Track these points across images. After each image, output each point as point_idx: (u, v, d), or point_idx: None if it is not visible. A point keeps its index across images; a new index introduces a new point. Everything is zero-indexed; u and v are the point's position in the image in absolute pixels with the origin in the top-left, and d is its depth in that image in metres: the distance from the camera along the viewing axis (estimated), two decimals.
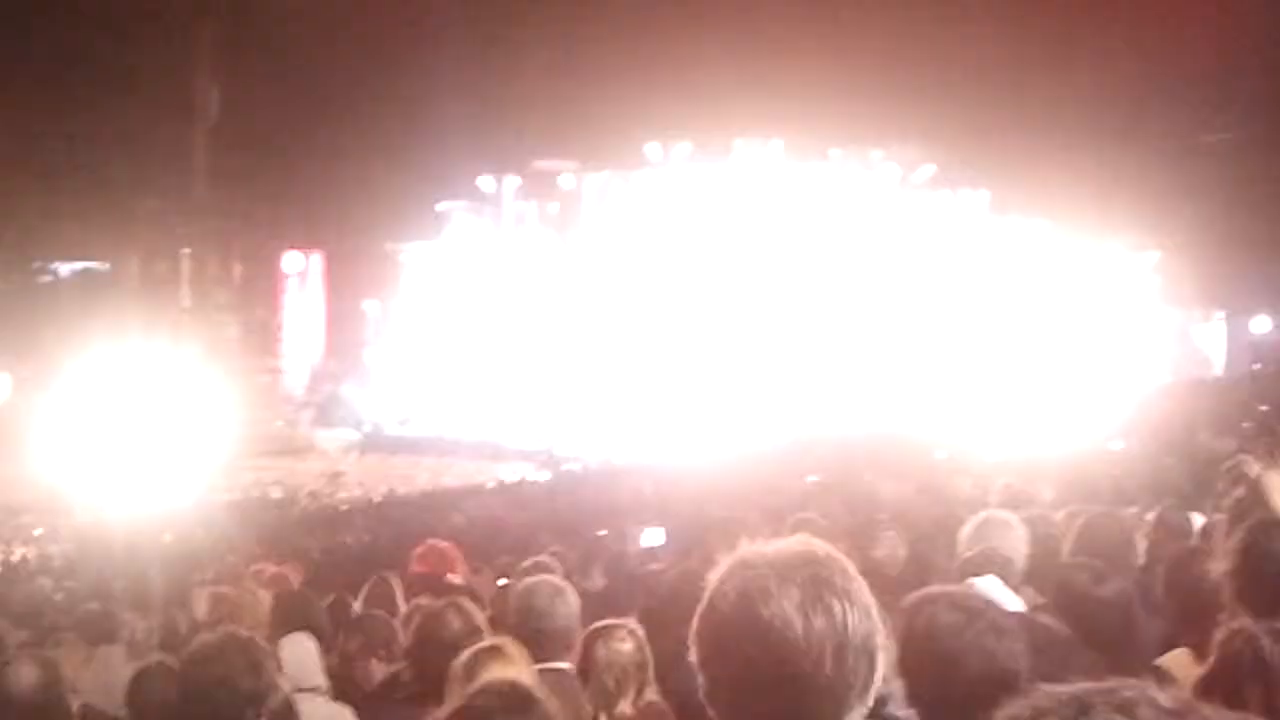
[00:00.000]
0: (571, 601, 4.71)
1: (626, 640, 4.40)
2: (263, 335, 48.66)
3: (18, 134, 47.54)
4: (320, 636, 6.15)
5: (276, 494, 31.08)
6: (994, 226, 42.48)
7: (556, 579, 5.14)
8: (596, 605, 7.50)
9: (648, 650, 4.38)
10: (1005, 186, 42.31)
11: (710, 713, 2.11)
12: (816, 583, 2.04)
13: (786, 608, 2.01)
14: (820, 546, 2.12)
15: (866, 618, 2.05)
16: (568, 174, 44.77)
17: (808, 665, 2.00)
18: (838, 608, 2.02)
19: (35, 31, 46.81)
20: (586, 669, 4.39)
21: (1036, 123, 38.50)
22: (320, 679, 5.57)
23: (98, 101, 46.40)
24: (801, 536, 2.16)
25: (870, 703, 2.07)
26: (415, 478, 32.87)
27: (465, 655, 3.94)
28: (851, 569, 2.09)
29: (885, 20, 40.70)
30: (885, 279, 40.00)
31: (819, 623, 2.01)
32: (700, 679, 2.09)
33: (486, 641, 4.09)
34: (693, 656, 2.11)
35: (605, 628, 4.52)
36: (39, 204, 49.73)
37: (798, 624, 2.00)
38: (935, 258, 41.17)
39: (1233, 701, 2.98)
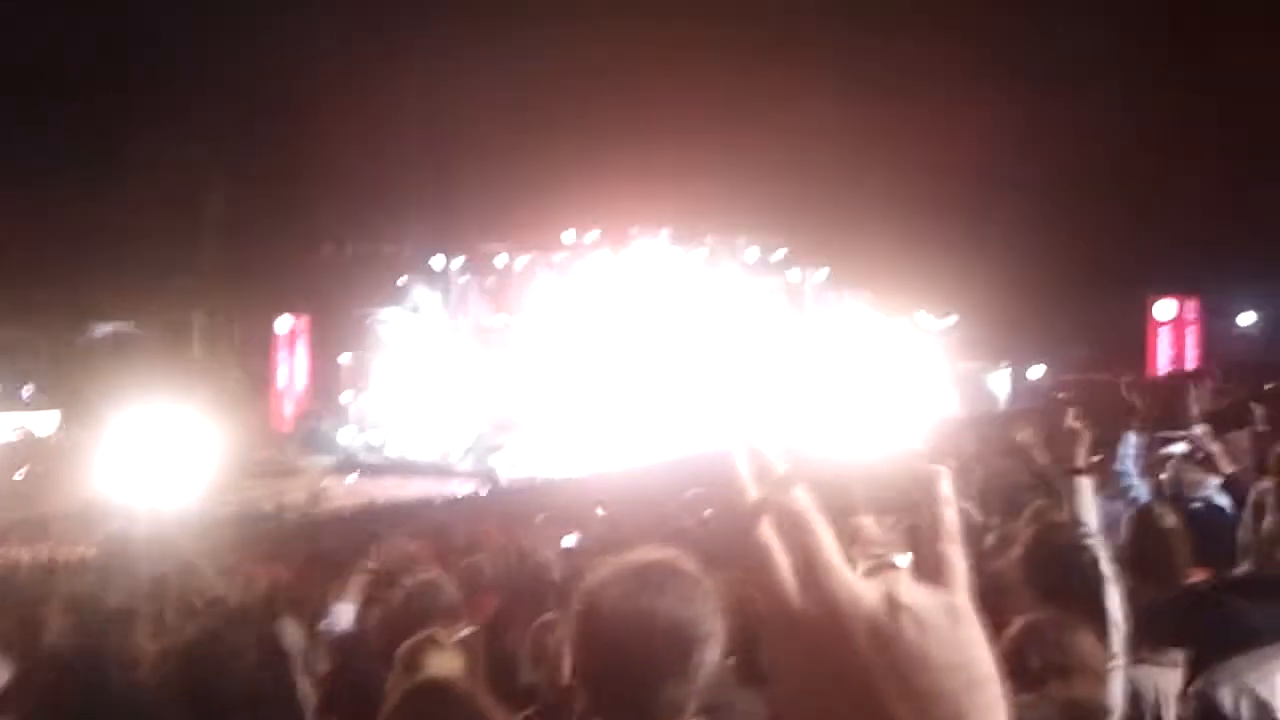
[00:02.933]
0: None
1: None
2: (258, 382, 48.07)
3: (60, 223, 46.93)
4: (301, 620, 6.06)
5: (267, 507, 30.54)
6: (830, 297, 43.02)
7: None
8: (527, 593, 7.43)
9: None
10: (839, 265, 42.93)
11: (576, 694, 2.09)
12: (659, 579, 2.03)
13: (639, 601, 2.01)
14: (668, 554, 2.11)
15: (692, 606, 2.03)
16: (502, 254, 44.75)
17: (651, 645, 1.98)
18: (671, 600, 2.01)
19: (79, 138, 46.18)
20: (539, 654, 4.30)
21: (864, 216, 39.11)
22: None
23: (127, 195, 45.94)
24: (652, 547, 2.15)
25: (698, 680, 2.04)
26: (378, 494, 32.44)
27: (405, 646, 3.87)
28: (688, 570, 2.07)
29: (752, 131, 41.26)
30: (747, 337, 40.35)
31: (661, 607, 2.00)
32: (568, 661, 2.08)
33: (423, 634, 4.02)
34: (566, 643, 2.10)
35: (551, 621, 4.43)
36: (79, 278, 49.00)
37: (644, 612, 2.00)
38: (785, 320, 41.72)
39: (1024, 678, 2.98)
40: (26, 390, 50.72)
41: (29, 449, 41.98)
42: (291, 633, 5.64)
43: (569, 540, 11.27)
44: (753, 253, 43.50)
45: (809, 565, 0.68)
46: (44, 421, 46.68)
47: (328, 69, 46.28)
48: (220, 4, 44.11)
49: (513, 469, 34.90)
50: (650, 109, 42.76)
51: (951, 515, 0.72)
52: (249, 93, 45.33)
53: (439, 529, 15.38)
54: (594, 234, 43.51)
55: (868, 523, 0.75)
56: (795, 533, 0.68)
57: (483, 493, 29.55)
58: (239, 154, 47.52)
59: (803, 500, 0.68)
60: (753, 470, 0.69)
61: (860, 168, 40.24)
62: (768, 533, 0.68)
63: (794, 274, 43.60)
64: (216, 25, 45.18)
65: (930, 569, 0.72)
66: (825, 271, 43.48)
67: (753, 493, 0.69)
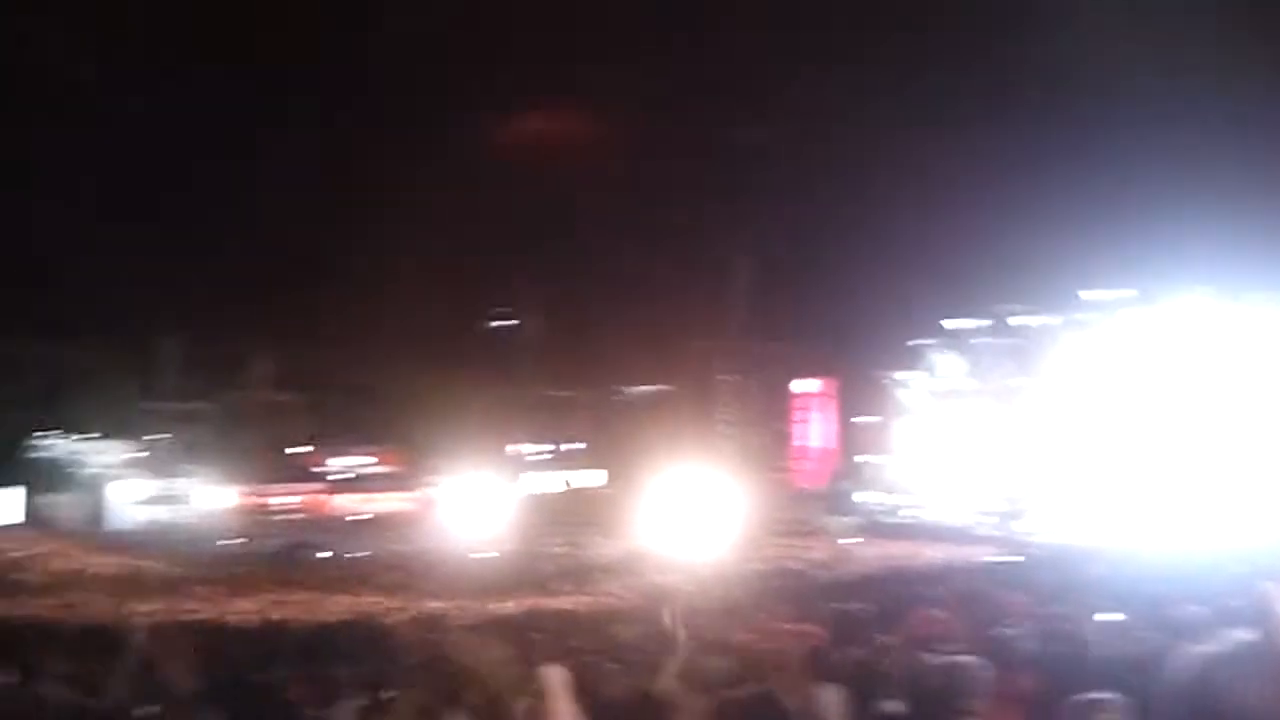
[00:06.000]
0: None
1: (1112, 713, 3.99)
2: (783, 443, 49.54)
3: (598, 294, 50.57)
4: (842, 685, 6.04)
5: (795, 566, 31.16)
6: None
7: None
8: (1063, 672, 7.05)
9: None
10: None
11: None
12: None
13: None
14: None
15: None
16: (1020, 316, 43.54)
17: None
18: None
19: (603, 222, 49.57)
20: None
21: None
22: None
23: (658, 268, 48.92)
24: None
25: None
26: (903, 557, 32.26)
27: None
28: None
29: None
30: None
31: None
32: None
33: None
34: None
35: (1093, 700, 4.12)
36: (612, 343, 52.61)
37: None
38: None
39: None
40: (572, 446, 55.08)
41: (575, 501, 45.44)
42: (829, 699, 5.64)
43: (1108, 616, 10.61)
44: None
45: None
46: (588, 476, 50.53)
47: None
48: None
49: (1039, 536, 33.69)
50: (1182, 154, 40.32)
51: None
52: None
53: (966, 597, 15.01)
54: (1125, 291, 41.26)
55: None
56: None
57: (1010, 560, 28.61)
58: (761, 229, 49.63)
59: None
60: None
61: None
62: None
63: None
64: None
65: None
66: None
67: None
